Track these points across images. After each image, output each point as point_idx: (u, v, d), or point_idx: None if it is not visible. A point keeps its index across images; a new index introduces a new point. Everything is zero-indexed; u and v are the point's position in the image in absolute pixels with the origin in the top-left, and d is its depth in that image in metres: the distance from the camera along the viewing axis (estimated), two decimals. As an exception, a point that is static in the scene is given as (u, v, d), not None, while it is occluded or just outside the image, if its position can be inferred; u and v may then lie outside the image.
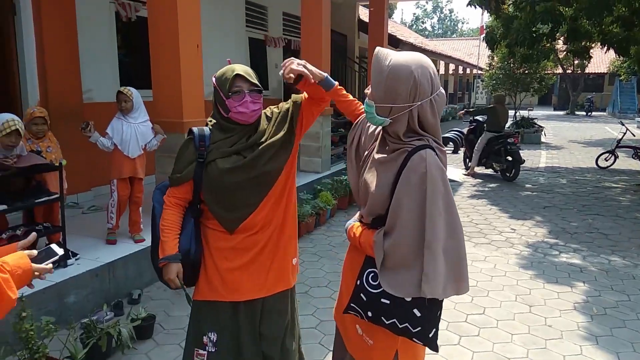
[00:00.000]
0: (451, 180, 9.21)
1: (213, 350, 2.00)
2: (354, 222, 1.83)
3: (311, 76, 1.81)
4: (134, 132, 4.16)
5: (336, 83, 1.97)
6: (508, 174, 9.27)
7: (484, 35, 11.94)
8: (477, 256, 5.12)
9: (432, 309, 1.62)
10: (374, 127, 1.80)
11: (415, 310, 1.58)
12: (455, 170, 10.04)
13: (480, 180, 9.38)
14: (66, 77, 5.23)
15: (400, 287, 1.56)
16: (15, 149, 3.75)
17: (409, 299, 1.58)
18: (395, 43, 14.14)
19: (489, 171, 9.86)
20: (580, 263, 4.95)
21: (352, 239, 1.79)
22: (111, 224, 4.25)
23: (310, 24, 7.27)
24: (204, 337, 2.02)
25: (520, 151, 9.12)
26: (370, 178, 1.68)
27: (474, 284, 4.39)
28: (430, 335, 1.63)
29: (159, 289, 4.11)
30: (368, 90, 1.67)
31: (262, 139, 1.95)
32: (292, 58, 1.86)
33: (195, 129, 1.96)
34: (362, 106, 1.93)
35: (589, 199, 7.88)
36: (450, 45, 36.90)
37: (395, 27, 19.25)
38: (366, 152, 1.80)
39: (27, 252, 1.44)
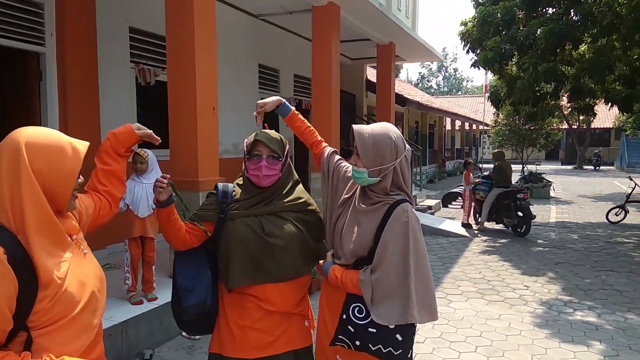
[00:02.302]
0: (461, 236, 9.20)
1: None
2: (332, 265, 2.02)
3: (268, 105, 2.22)
4: (144, 192, 4.28)
5: (292, 108, 2.35)
6: (519, 230, 9.25)
7: (488, 93, 12.26)
8: (491, 314, 5.07)
9: (410, 334, 1.91)
10: (348, 172, 2.13)
11: (398, 335, 1.85)
12: (458, 224, 10.03)
13: (491, 236, 9.36)
14: (87, 138, 5.41)
15: (387, 317, 1.84)
16: None
17: (392, 327, 1.84)
18: (402, 101, 14.52)
19: (500, 226, 9.86)
20: (595, 321, 4.88)
21: (334, 279, 1.98)
22: (128, 284, 4.30)
23: (321, 85, 7.56)
24: None
25: (530, 206, 9.14)
26: (353, 225, 1.98)
27: (488, 343, 4.33)
28: (409, 356, 1.92)
29: (170, 349, 4.09)
30: (354, 162, 1.97)
31: (280, 207, 2.06)
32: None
33: (220, 185, 2.09)
34: (325, 146, 2.35)
35: (601, 254, 7.82)
36: (456, 103, 37.65)
37: (401, 85, 19.80)
38: (343, 197, 2.10)
39: None
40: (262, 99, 2.34)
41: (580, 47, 10.10)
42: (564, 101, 15.98)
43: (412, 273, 1.84)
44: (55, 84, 5.35)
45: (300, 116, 2.38)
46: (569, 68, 10.26)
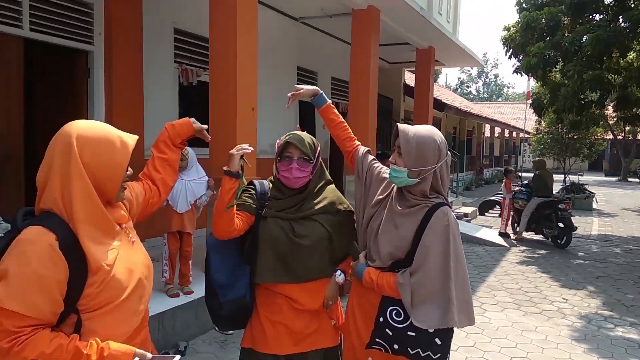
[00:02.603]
0: (498, 245, 9.02)
1: None
2: (366, 267, 2.00)
3: (304, 91, 2.20)
4: (184, 188, 4.38)
5: (329, 101, 2.31)
6: (559, 241, 8.99)
7: (530, 100, 11.98)
8: (528, 326, 4.94)
9: (448, 338, 1.89)
10: (382, 172, 2.14)
11: (437, 339, 1.84)
12: (495, 232, 9.82)
13: (529, 247, 9.13)
14: (130, 135, 5.59)
15: (427, 320, 1.82)
16: None
17: (431, 330, 1.83)
18: (441, 106, 14.35)
19: (539, 237, 9.60)
20: (637, 338, 4.69)
21: (369, 282, 1.96)
22: (165, 277, 4.41)
23: (358, 88, 7.55)
24: None
25: (571, 217, 8.88)
26: (390, 227, 1.96)
27: (523, 355, 4.23)
28: None
29: (204, 342, 4.17)
30: (393, 160, 1.96)
31: (310, 211, 2.07)
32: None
33: (256, 182, 2.12)
34: (356, 143, 2.32)
35: (646, 270, 7.52)
36: (495, 109, 36.93)
37: (440, 90, 19.58)
38: (377, 198, 2.07)
39: (139, 351, 1.41)
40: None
41: (628, 55, 9.76)
42: (610, 110, 15.45)
43: (453, 277, 1.83)
44: (102, 82, 5.53)
45: (335, 110, 2.35)
46: (615, 76, 9.91)
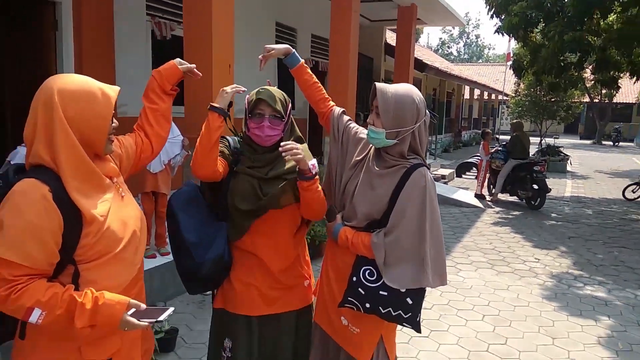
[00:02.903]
0: (473, 206, 9.15)
1: (229, 355, 2.08)
2: (342, 227, 1.99)
3: (275, 51, 2.12)
4: None
5: (302, 60, 2.20)
6: (533, 202, 9.17)
7: (510, 62, 11.95)
8: (500, 284, 5.07)
9: (420, 298, 1.89)
10: (359, 133, 2.10)
11: (408, 299, 1.85)
12: (471, 194, 9.96)
13: (504, 208, 9.29)
14: (101, 91, 5.40)
15: (400, 280, 1.83)
16: None
17: (403, 290, 1.84)
18: (421, 67, 14.22)
19: (514, 198, 9.77)
20: (605, 296, 4.86)
21: (344, 241, 1.95)
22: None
23: (339, 47, 7.38)
24: (224, 341, 2.10)
25: (546, 180, 9.02)
26: (367, 188, 1.94)
27: (496, 312, 4.34)
28: (417, 319, 1.91)
29: (182, 302, 4.16)
30: (371, 121, 1.92)
31: (281, 173, 1.98)
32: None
33: (229, 138, 2.05)
34: (331, 104, 2.22)
35: (615, 231, 7.74)
36: (475, 71, 36.87)
37: (421, 50, 19.38)
38: (354, 159, 2.04)
39: (133, 301, 1.45)
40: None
41: (609, 16, 9.72)
42: (587, 73, 15.51)
43: (428, 238, 1.83)
44: (71, 35, 5.28)
45: (309, 70, 2.25)
46: (595, 38, 9.91)
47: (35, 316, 1.34)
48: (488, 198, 9.88)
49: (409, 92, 1.89)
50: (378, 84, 1.92)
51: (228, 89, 1.90)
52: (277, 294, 2.08)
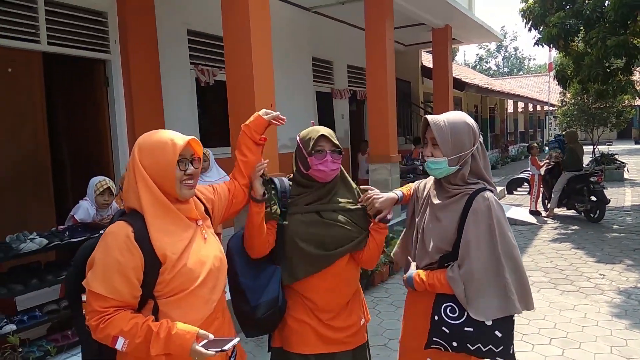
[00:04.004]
0: (529, 223, 8.85)
1: None
2: (415, 271, 1.97)
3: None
4: None
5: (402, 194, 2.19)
6: (592, 215, 8.78)
7: (553, 71, 11.66)
8: (565, 305, 4.85)
9: (509, 328, 1.81)
10: (424, 188, 2.09)
11: (497, 332, 1.77)
12: (525, 211, 9.64)
13: (561, 223, 8.94)
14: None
15: (485, 312, 1.77)
16: (110, 208, 4.09)
17: (489, 323, 1.77)
18: (461, 86, 14.10)
19: (571, 212, 9.40)
20: (682, 311, 4.56)
21: (419, 284, 1.92)
22: None
23: (375, 74, 7.47)
24: None
25: (604, 190, 8.65)
26: (433, 222, 1.93)
27: (563, 335, 4.15)
28: (511, 352, 1.81)
29: (241, 341, 4.20)
30: (429, 153, 1.94)
31: (340, 205, 2.07)
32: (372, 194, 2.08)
33: (276, 180, 2.11)
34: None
35: (685, 239, 7.29)
36: (517, 83, 36.14)
37: (458, 69, 19.23)
38: (421, 206, 2.06)
39: (202, 332, 1.54)
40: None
41: (653, 16, 9.38)
42: (637, 76, 14.91)
43: (504, 262, 1.78)
44: (121, 89, 5.60)
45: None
46: (641, 40, 9.56)
47: (120, 344, 1.50)
48: (544, 214, 9.54)
49: (461, 117, 1.94)
50: (429, 117, 1.95)
51: (256, 172, 2.00)
52: (332, 333, 2.08)
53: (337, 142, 2.04)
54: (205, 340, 1.53)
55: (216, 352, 1.52)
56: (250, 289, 2.00)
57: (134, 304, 1.57)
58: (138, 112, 5.61)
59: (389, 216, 2.06)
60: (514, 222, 8.97)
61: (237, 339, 1.60)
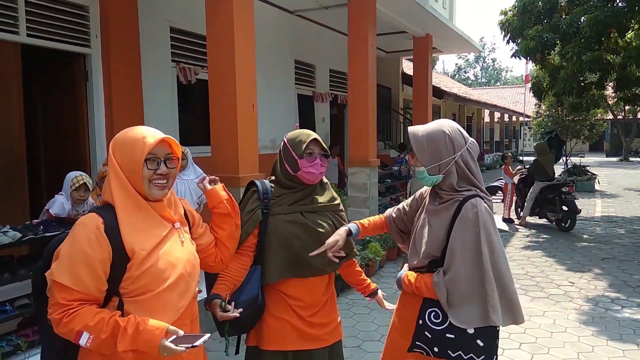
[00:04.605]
0: (502, 230, 9.02)
1: None
2: (406, 272, 2.00)
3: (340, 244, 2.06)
4: (187, 188, 4.38)
5: (356, 226, 2.21)
6: (563, 224, 9.00)
7: (529, 83, 11.93)
8: (535, 311, 4.96)
9: (492, 338, 1.81)
10: (425, 192, 2.11)
11: (479, 341, 1.77)
12: (499, 218, 9.83)
13: (533, 231, 9.14)
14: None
15: (466, 319, 1.77)
16: (85, 203, 4.04)
17: (471, 331, 1.77)
18: (440, 94, 14.31)
19: (543, 221, 9.61)
20: (646, 319, 4.71)
21: (407, 285, 1.95)
22: None
23: (357, 80, 7.52)
24: None
25: (575, 200, 8.88)
26: (424, 226, 1.95)
27: (533, 340, 4.25)
28: None
29: (215, 340, 4.18)
30: (412, 164, 2.01)
31: (320, 205, 2.15)
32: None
33: (257, 182, 2.13)
34: (383, 220, 2.30)
35: (651, 250, 7.53)
36: (495, 94, 36.79)
37: (438, 77, 19.51)
38: (420, 208, 2.09)
39: (171, 327, 1.51)
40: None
41: (626, 34, 9.69)
42: (609, 91, 15.35)
43: (488, 272, 1.77)
44: (101, 84, 5.52)
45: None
46: (614, 57, 9.84)
47: (84, 339, 1.45)
48: (516, 222, 9.74)
49: (439, 126, 1.94)
50: (410, 128, 2.01)
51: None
52: (312, 330, 2.11)
53: (325, 146, 2.12)
54: (174, 336, 1.49)
55: (187, 348, 1.48)
56: None
57: (100, 299, 1.52)
58: (117, 107, 5.55)
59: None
60: (487, 229, 9.13)
61: (208, 334, 1.55)
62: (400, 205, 2.27)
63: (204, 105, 4.83)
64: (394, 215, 2.26)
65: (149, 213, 1.61)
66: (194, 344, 1.49)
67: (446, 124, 1.96)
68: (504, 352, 4.02)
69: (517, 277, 6.12)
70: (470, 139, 1.98)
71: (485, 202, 1.89)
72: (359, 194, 7.57)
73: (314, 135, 2.11)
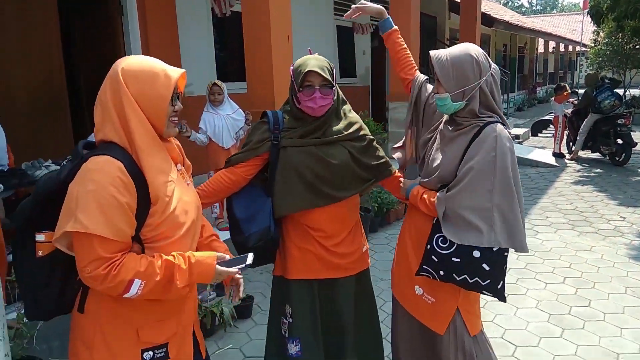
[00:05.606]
0: (551, 165, 8.69)
1: (290, 321, 2.12)
2: (417, 185, 1.97)
3: (368, 9, 2.14)
4: (224, 123, 4.36)
5: (395, 27, 2.22)
6: (617, 158, 8.56)
7: (587, 9, 11.04)
8: (582, 246, 4.81)
9: (498, 263, 1.76)
10: (434, 106, 1.99)
11: (484, 265, 1.73)
12: (549, 153, 9.43)
13: (585, 165, 8.75)
14: (168, 72, 5.59)
15: (460, 235, 1.74)
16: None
17: (477, 255, 1.73)
18: (489, 22, 13.46)
19: (596, 155, 9.17)
20: (703, 255, 4.48)
21: (414, 197, 1.93)
22: (216, 213, 4.50)
23: (399, 8, 7.13)
24: (284, 308, 2.15)
25: (631, 133, 8.38)
26: (439, 151, 1.89)
27: (578, 274, 4.13)
28: (499, 287, 1.78)
29: (255, 271, 4.30)
30: (435, 90, 1.89)
31: (336, 137, 2.02)
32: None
33: (269, 112, 2.05)
34: (415, 70, 2.24)
35: None
36: (549, 22, 34.50)
37: (488, 4, 18.32)
38: (432, 127, 2.02)
39: (219, 254, 1.53)
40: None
41: None
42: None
43: (497, 193, 1.71)
44: (136, 19, 5.46)
45: (400, 37, 2.27)
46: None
47: (135, 287, 1.36)
48: (568, 156, 9.33)
49: (465, 49, 1.84)
50: (432, 52, 1.88)
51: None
52: (336, 259, 2.10)
53: (327, 75, 1.93)
54: (223, 261, 1.52)
55: (238, 268, 1.52)
56: (243, 220, 2.03)
57: (129, 241, 1.41)
58: (153, 41, 5.50)
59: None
60: (536, 164, 8.83)
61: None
62: (429, 91, 2.12)
63: (240, 39, 4.70)
64: (423, 86, 2.16)
65: (165, 154, 1.50)
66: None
67: (472, 48, 1.85)
68: (547, 286, 3.93)
69: (565, 212, 5.91)
70: (494, 65, 1.88)
71: (505, 127, 1.82)
72: (400, 130, 7.39)
73: (312, 65, 1.93)
